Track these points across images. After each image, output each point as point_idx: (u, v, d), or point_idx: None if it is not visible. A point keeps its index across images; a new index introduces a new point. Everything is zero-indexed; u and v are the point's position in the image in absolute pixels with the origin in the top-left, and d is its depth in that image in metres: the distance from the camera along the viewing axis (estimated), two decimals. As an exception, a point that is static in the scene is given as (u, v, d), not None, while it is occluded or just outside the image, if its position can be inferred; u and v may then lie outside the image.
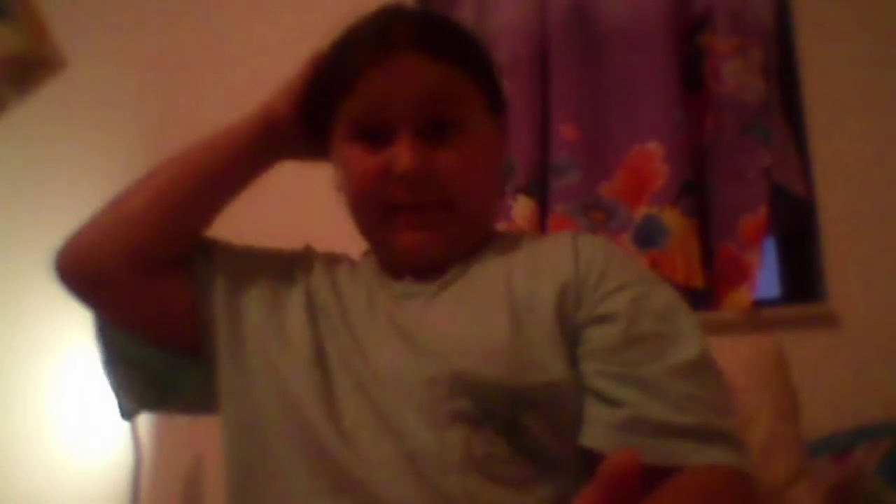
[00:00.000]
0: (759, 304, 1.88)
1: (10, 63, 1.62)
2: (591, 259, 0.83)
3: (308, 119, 0.94)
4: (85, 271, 0.89)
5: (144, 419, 1.97)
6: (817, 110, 1.98)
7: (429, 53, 0.85)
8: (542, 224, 1.97)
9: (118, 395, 1.00)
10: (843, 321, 1.84)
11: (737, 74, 1.96)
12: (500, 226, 1.76)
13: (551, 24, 2.06)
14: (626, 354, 0.77)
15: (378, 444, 0.75)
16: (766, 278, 1.95)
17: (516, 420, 0.75)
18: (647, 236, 1.89)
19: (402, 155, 0.83)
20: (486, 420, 0.74)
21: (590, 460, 0.76)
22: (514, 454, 0.74)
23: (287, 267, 0.95)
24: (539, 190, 1.99)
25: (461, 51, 0.89)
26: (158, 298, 0.90)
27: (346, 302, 0.88)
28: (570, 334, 0.79)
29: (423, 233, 0.86)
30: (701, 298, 1.88)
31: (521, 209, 1.95)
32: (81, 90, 2.21)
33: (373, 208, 0.87)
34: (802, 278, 1.97)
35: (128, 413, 0.99)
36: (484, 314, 0.81)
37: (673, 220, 1.88)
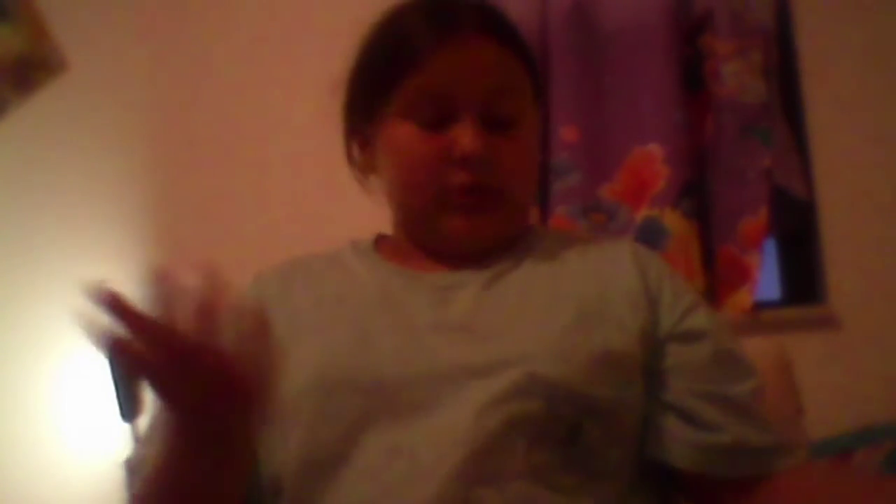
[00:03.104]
0: (760, 305, 1.88)
1: (11, 65, 1.62)
2: (659, 275, 0.85)
3: (355, 100, 0.90)
4: None
5: (144, 420, 1.97)
6: (817, 111, 1.98)
7: (496, 39, 0.84)
8: (533, 224, 1.97)
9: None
10: (843, 323, 1.85)
11: (737, 76, 1.96)
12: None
13: (552, 26, 2.06)
14: (715, 373, 0.80)
15: (434, 446, 0.72)
16: (766, 280, 1.95)
17: (578, 426, 0.75)
18: (648, 238, 1.89)
19: (467, 136, 0.81)
20: (549, 424, 0.73)
21: (643, 469, 0.79)
22: (569, 461, 0.74)
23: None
24: (539, 192, 1.98)
25: (518, 39, 0.88)
26: None
27: (348, 301, 0.84)
28: (649, 350, 0.80)
29: (476, 219, 0.84)
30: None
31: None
32: (82, 92, 2.21)
33: (426, 189, 0.84)
34: (803, 280, 1.97)
35: (128, 415, 0.98)
36: (552, 314, 0.79)
37: (673, 221, 1.89)
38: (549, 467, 0.73)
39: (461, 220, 0.84)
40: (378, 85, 0.86)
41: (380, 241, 0.93)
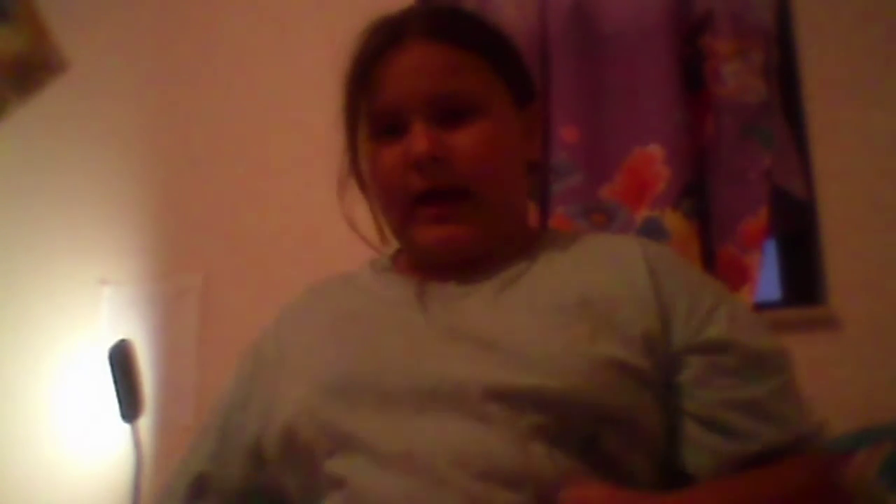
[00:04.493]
0: (760, 306, 1.88)
1: (11, 65, 1.62)
2: (675, 281, 0.83)
3: (347, 129, 0.92)
4: None
5: (145, 421, 1.97)
6: (817, 111, 1.98)
7: (440, 39, 0.85)
8: (542, 227, 1.97)
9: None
10: (843, 324, 1.84)
11: (737, 76, 1.96)
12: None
13: (552, 26, 2.06)
14: (741, 379, 0.79)
15: (450, 458, 0.71)
16: (766, 280, 1.95)
17: (595, 436, 0.74)
18: (649, 239, 1.89)
19: (416, 140, 0.82)
20: (563, 434, 0.73)
21: (667, 474, 0.78)
22: (591, 467, 0.74)
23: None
24: (539, 192, 1.98)
25: (477, 38, 0.88)
26: None
27: (363, 317, 0.86)
28: (661, 360, 0.79)
29: (448, 227, 0.84)
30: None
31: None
32: (82, 92, 2.21)
33: (396, 202, 0.85)
34: (803, 281, 1.97)
35: (129, 415, 0.98)
36: (560, 322, 0.78)
37: (674, 222, 1.88)
38: (571, 473, 0.72)
39: (433, 231, 0.84)
40: (348, 114, 0.89)
41: (397, 257, 0.95)
